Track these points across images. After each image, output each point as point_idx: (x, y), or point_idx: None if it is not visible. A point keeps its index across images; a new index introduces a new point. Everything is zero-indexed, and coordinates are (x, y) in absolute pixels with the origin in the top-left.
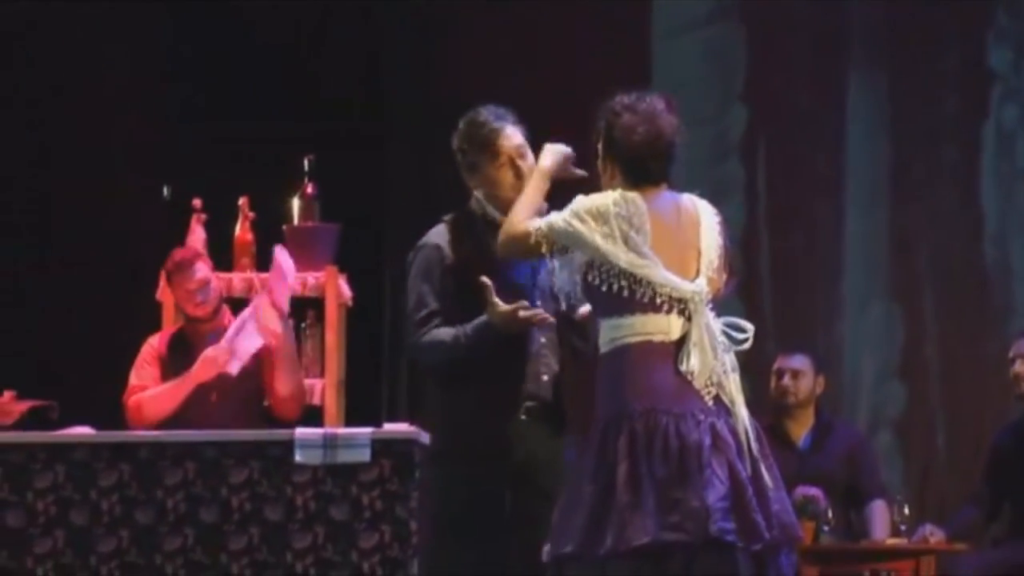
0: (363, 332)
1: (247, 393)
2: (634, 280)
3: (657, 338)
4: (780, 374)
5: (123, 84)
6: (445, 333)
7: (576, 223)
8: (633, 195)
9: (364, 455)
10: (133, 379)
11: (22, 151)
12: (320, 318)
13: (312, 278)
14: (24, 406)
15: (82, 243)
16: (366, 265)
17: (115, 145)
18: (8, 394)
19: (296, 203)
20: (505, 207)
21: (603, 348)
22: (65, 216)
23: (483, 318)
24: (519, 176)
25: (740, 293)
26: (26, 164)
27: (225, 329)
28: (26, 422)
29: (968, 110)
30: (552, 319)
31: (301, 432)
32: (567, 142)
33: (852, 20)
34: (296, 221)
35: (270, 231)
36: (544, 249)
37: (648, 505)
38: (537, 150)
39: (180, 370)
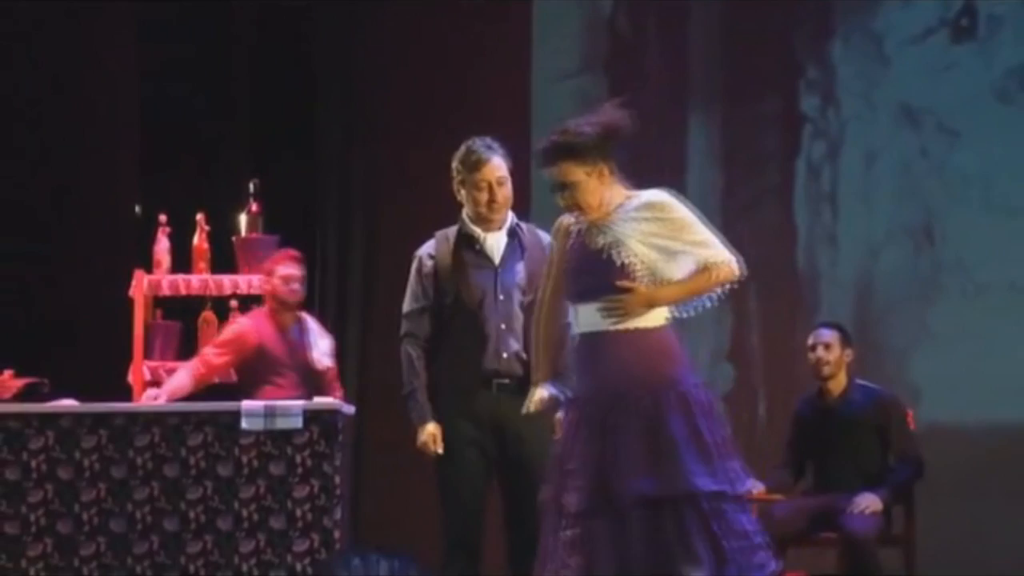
0: None
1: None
2: None
3: None
4: None
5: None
6: (411, 364)
7: None
8: None
9: (297, 423)
10: (211, 357)
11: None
12: None
13: (257, 280)
14: (20, 382)
15: (68, 245)
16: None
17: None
18: (7, 372)
19: (243, 218)
20: (477, 221)
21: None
22: (53, 220)
23: (420, 410)
24: (493, 199)
25: None
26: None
27: (301, 320)
28: (22, 395)
29: (785, 145)
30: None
31: (247, 404)
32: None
33: (692, 71)
34: (244, 233)
35: (222, 241)
36: None
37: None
38: None
39: (271, 348)
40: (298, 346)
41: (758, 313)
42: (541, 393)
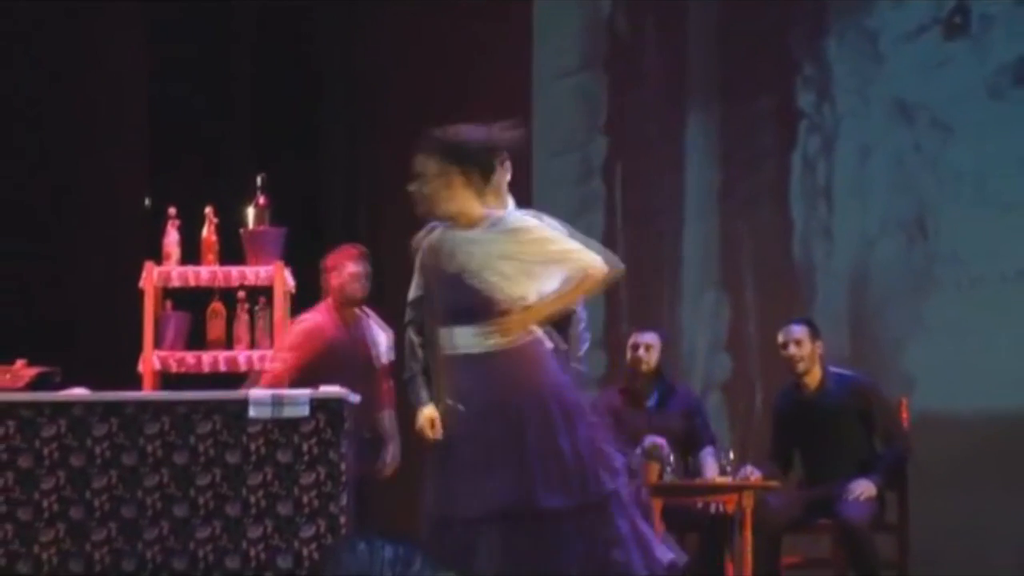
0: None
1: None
2: None
3: None
4: (635, 347)
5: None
6: (412, 350)
7: None
8: None
9: (304, 411)
10: (288, 360)
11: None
12: (270, 302)
13: (263, 271)
14: (33, 371)
15: (80, 240)
16: (307, 260)
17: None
18: (20, 362)
19: (251, 211)
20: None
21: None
22: (64, 214)
23: (419, 394)
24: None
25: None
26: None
27: (362, 316)
28: (35, 384)
29: (781, 141)
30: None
31: (254, 393)
32: None
33: (690, 69)
34: (251, 225)
35: (230, 233)
36: None
37: None
38: None
39: (337, 344)
40: (360, 342)
41: (755, 305)
42: (430, 414)
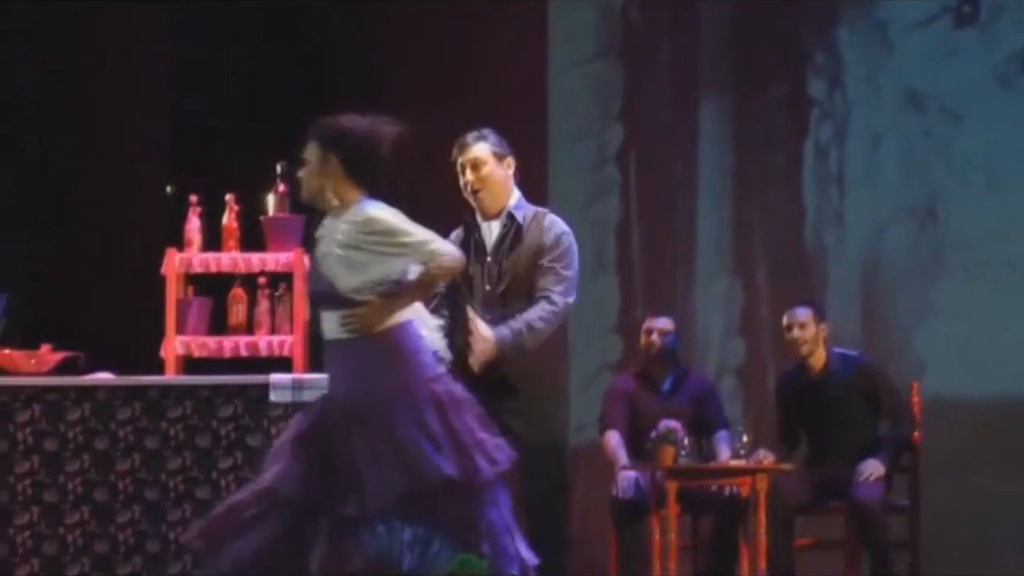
0: None
1: None
2: None
3: None
4: (649, 332)
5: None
6: None
7: None
8: None
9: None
10: None
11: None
12: (290, 288)
13: (283, 257)
14: (58, 356)
15: (102, 227)
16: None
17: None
18: (45, 347)
19: (271, 198)
20: (476, 209)
21: None
22: (82, 204)
23: None
24: (467, 183)
25: (615, 269)
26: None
27: None
28: (60, 369)
29: (793, 128)
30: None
31: (275, 377)
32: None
33: (703, 58)
34: (271, 213)
35: (251, 220)
36: None
37: None
38: None
39: None
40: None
41: (768, 290)
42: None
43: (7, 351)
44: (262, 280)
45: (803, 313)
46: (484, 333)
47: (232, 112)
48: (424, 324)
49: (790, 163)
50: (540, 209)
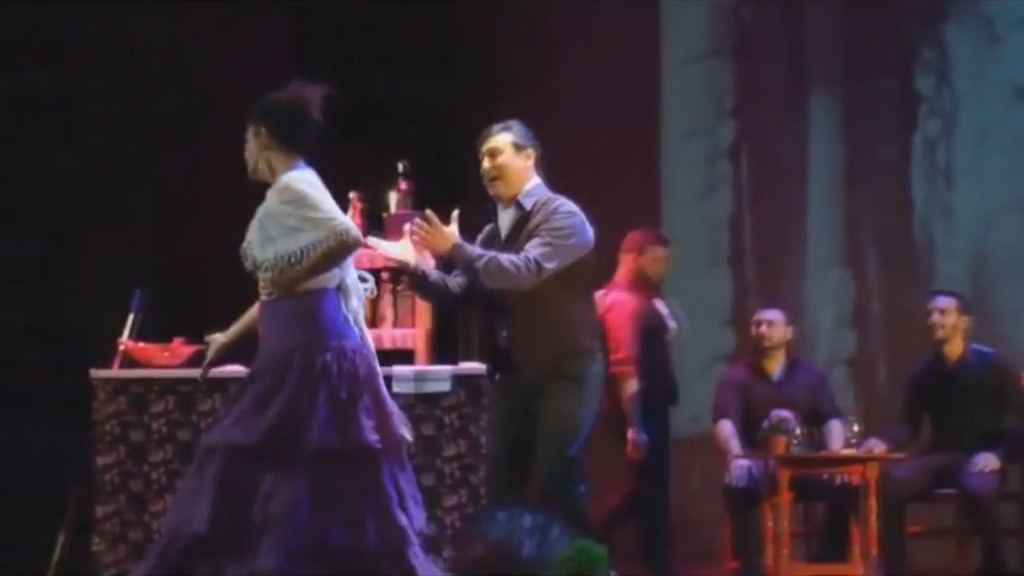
0: None
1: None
2: None
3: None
4: (758, 324)
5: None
6: None
7: None
8: None
9: (446, 386)
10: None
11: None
12: None
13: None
14: (190, 349)
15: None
16: None
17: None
18: (178, 340)
19: (393, 196)
20: (494, 197)
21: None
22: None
23: None
24: (484, 171)
25: (728, 261)
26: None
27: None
28: (192, 362)
29: (902, 123)
30: None
31: (397, 369)
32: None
33: (815, 53)
34: (393, 210)
35: (374, 217)
36: None
37: None
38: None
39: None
40: (655, 317)
41: (878, 281)
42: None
43: (142, 345)
44: (385, 275)
45: (945, 300)
46: (448, 230)
47: (360, 114)
48: (355, 292)
49: (899, 156)
50: (553, 196)
